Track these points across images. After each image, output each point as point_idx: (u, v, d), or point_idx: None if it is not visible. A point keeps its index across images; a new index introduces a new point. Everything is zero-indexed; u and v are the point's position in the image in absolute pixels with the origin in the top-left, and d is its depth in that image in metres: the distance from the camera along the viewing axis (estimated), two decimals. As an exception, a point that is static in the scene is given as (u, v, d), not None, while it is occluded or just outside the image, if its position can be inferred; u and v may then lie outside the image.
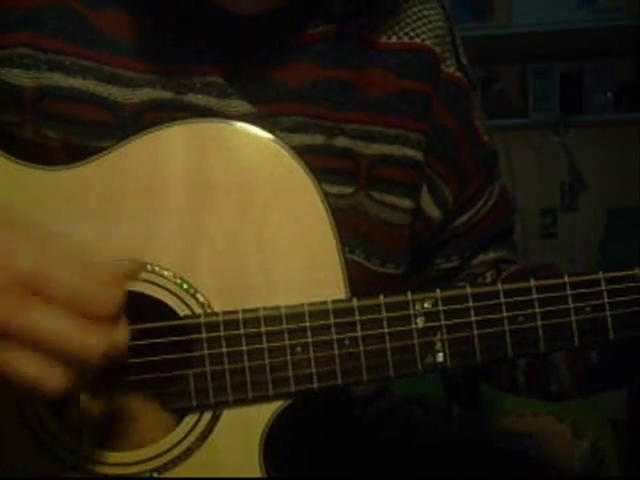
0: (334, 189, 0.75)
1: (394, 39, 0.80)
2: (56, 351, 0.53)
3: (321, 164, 0.73)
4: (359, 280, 0.70)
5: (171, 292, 0.67)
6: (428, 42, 0.81)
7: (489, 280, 0.88)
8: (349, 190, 0.77)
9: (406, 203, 0.80)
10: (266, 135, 0.68)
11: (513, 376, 0.86)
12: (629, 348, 0.74)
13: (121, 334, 0.56)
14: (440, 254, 0.87)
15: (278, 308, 0.66)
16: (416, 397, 1.14)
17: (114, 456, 0.67)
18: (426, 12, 0.82)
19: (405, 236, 0.81)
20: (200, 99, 0.74)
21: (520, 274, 0.87)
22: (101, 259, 0.66)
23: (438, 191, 0.83)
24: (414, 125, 0.80)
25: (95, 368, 0.55)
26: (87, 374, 0.55)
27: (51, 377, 0.53)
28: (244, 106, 0.74)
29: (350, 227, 0.75)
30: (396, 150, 0.79)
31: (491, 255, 0.88)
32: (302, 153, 0.69)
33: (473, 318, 0.67)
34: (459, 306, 0.67)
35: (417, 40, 0.81)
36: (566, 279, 0.68)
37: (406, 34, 0.80)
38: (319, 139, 0.76)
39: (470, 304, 0.67)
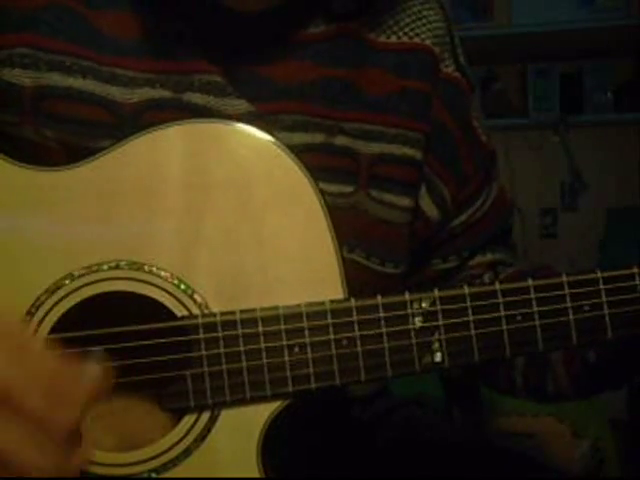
0: (334, 188, 0.75)
1: (393, 39, 0.80)
2: (6, 462, 0.54)
3: (321, 163, 0.73)
4: (359, 279, 0.70)
5: (169, 293, 0.67)
6: (427, 42, 0.81)
7: (487, 282, 0.87)
8: (349, 189, 0.77)
9: (405, 202, 0.80)
10: (264, 135, 0.68)
11: (510, 378, 0.86)
12: (626, 348, 0.74)
13: (74, 458, 0.57)
14: (438, 254, 0.87)
15: (276, 308, 0.66)
16: (416, 397, 1.14)
17: (112, 457, 0.67)
18: (425, 12, 0.82)
19: (404, 235, 0.81)
20: (199, 98, 0.74)
21: (517, 276, 0.87)
22: (100, 260, 0.67)
23: (436, 191, 0.83)
24: (413, 124, 0.80)
25: None
26: None
27: None
28: (243, 105, 0.74)
29: (350, 226, 0.75)
30: (395, 149, 0.79)
31: (489, 257, 0.88)
32: (302, 152, 0.69)
33: (471, 318, 0.67)
34: (457, 306, 0.67)
35: (416, 40, 0.81)
36: (564, 278, 0.68)
37: (405, 34, 0.80)
38: (319, 138, 0.76)
39: (468, 304, 0.67)
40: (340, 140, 0.77)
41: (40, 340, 0.62)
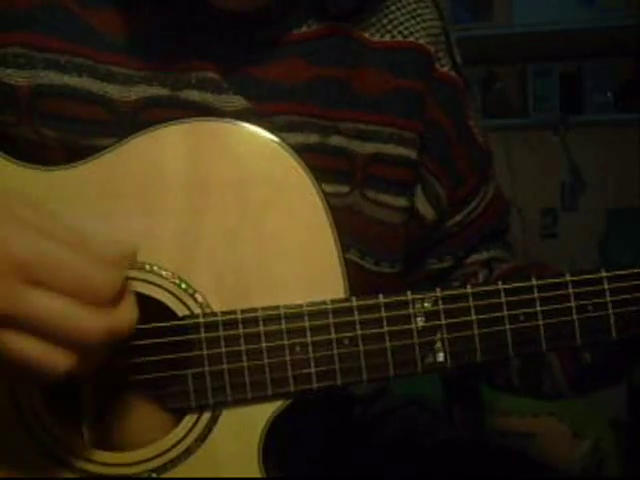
0: (329, 188, 0.75)
1: (388, 38, 0.80)
2: (57, 335, 0.54)
3: (316, 163, 0.73)
4: (355, 279, 0.70)
5: (169, 292, 0.66)
6: (422, 41, 0.81)
7: (481, 280, 0.87)
8: (344, 189, 0.77)
9: (401, 202, 0.80)
10: (264, 134, 0.68)
11: (508, 378, 0.86)
12: (621, 347, 0.74)
13: (123, 314, 0.57)
14: (433, 254, 0.87)
15: (277, 308, 0.66)
16: (416, 398, 1.13)
17: (113, 456, 0.67)
18: (420, 11, 0.82)
19: (400, 235, 0.81)
20: (196, 95, 0.74)
21: (512, 272, 0.87)
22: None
23: (432, 191, 0.83)
24: (408, 124, 0.79)
25: (97, 350, 0.56)
26: (89, 356, 0.56)
27: (53, 360, 0.55)
28: (240, 101, 0.74)
29: (345, 226, 0.75)
30: (391, 149, 0.79)
31: (484, 255, 0.88)
32: (297, 152, 0.68)
33: (474, 317, 0.67)
34: (459, 305, 0.67)
35: (411, 39, 0.80)
36: (568, 277, 0.68)
37: (400, 33, 0.80)
38: (314, 138, 0.76)
39: (470, 303, 0.67)
40: (335, 140, 0.77)
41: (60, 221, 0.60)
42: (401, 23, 0.81)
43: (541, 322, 0.67)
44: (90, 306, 0.55)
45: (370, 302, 0.67)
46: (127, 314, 0.58)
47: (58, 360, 0.55)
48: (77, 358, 0.55)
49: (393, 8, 0.81)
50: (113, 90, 0.73)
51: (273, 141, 0.68)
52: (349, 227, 0.76)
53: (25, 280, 0.54)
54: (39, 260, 0.54)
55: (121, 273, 0.57)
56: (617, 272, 0.68)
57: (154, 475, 0.66)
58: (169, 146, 0.68)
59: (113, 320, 0.56)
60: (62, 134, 0.72)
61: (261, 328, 0.66)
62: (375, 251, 0.79)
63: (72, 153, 0.69)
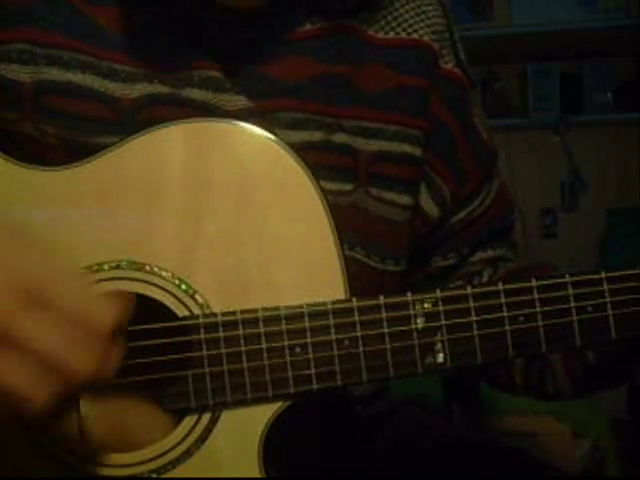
0: (333, 186, 0.75)
1: (392, 35, 0.80)
2: (46, 363, 0.53)
3: (320, 161, 0.73)
4: (359, 277, 0.70)
5: (170, 293, 0.66)
6: (426, 38, 0.81)
7: (486, 278, 0.87)
8: (348, 187, 0.77)
9: (405, 200, 0.80)
10: (265, 134, 0.68)
11: (510, 377, 0.86)
12: (626, 348, 0.74)
13: (114, 356, 0.56)
14: (437, 252, 0.87)
15: (277, 309, 0.66)
16: (416, 398, 1.14)
17: (113, 457, 0.67)
18: (424, 8, 0.82)
19: (405, 233, 0.81)
20: (197, 94, 0.74)
21: (517, 272, 0.87)
22: (101, 260, 0.66)
23: (436, 188, 0.83)
24: (412, 121, 0.79)
25: (79, 385, 0.55)
26: (70, 391, 0.55)
27: (36, 391, 0.53)
28: (241, 101, 0.74)
29: (350, 224, 0.75)
30: (395, 146, 0.79)
31: (489, 253, 0.88)
32: (301, 150, 0.68)
33: (473, 318, 0.67)
34: (459, 306, 0.67)
35: (415, 36, 0.80)
36: (567, 278, 0.68)
37: (404, 30, 0.80)
38: (318, 135, 0.76)
39: (470, 304, 0.67)
40: (339, 137, 0.77)
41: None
42: (405, 20, 0.81)
43: (541, 323, 0.67)
44: (85, 339, 0.54)
45: (370, 303, 0.67)
46: (117, 356, 0.56)
47: (38, 393, 0.53)
48: (56, 393, 0.54)
49: (397, 5, 0.81)
50: (115, 87, 0.73)
51: (273, 141, 0.68)
52: (353, 225, 0.76)
53: (27, 300, 0.53)
54: (45, 282, 0.54)
55: (120, 312, 0.56)
56: (616, 273, 0.68)
57: (154, 476, 0.66)
58: (169, 146, 0.68)
59: (103, 358, 0.55)
60: (63, 131, 0.72)
61: (261, 329, 0.66)
62: (380, 249, 0.79)
63: (72, 151, 0.69)
